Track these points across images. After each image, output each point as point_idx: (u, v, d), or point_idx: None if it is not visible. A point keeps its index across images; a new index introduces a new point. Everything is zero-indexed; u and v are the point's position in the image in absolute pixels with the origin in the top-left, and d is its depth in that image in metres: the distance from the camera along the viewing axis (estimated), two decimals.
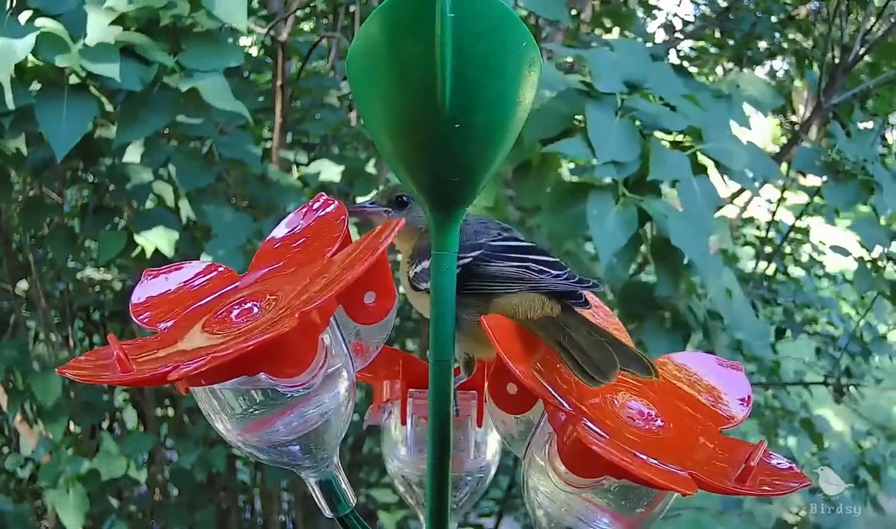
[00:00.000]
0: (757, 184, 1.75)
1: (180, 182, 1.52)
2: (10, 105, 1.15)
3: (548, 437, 0.51)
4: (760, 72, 2.93)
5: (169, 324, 0.51)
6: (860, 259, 1.97)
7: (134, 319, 0.52)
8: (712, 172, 1.38)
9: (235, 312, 0.49)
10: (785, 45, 2.62)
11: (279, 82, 1.67)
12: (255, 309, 0.48)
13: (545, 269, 0.52)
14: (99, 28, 1.19)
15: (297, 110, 1.92)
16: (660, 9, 2.77)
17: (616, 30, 2.41)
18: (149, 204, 1.59)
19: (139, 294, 0.54)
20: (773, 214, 2.34)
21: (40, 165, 1.54)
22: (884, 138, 2.38)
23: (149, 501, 1.96)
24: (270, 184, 1.62)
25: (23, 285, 1.86)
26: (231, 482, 2.01)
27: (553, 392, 0.47)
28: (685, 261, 1.35)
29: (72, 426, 1.79)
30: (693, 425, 0.52)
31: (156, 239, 1.47)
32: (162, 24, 1.30)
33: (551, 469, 0.50)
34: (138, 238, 1.49)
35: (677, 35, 2.63)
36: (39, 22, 1.17)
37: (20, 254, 1.84)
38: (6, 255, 1.77)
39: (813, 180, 2.26)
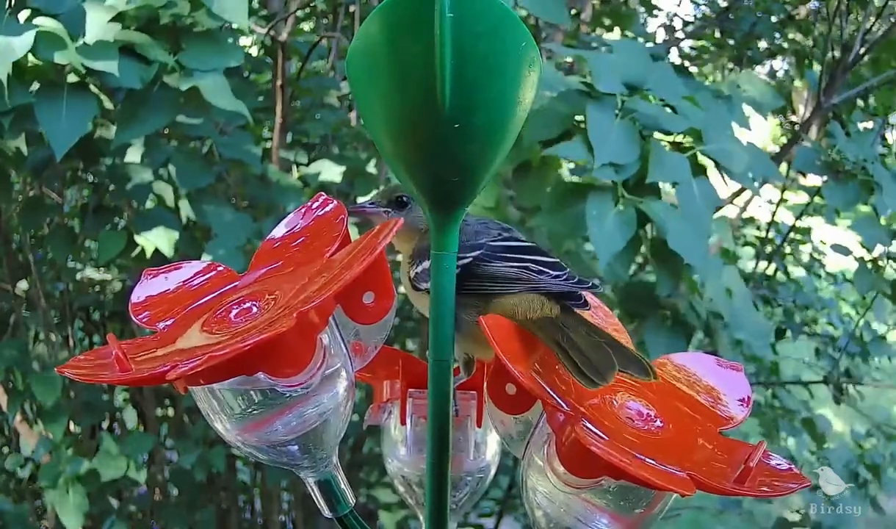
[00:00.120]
0: (757, 184, 1.74)
1: (180, 182, 1.52)
2: (7, 103, 1.15)
3: (546, 437, 0.51)
4: (760, 72, 2.93)
5: (168, 323, 0.51)
6: (861, 259, 1.98)
7: (133, 318, 0.52)
8: (712, 172, 1.38)
9: (234, 311, 0.49)
10: (785, 44, 2.62)
11: (279, 82, 1.67)
12: (254, 309, 0.48)
13: (545, 269, 0.52)
14: (98, 25, 1.19)
15: (297, 110, 1.92)
16: (660, 8, 2.77)
17: (616, 30, 2.41)
18: (149, 204, 1.59)
19: (139, 294, 0.54)
20: (774, 214, 2.34)
21: (40, 165, 1.54)
22: (884, 138, 2.38)
23: (149, 501, 1.96)
24: (270, 184, 1.61)
25: (23, 285, 1.86)
26: (231, 482, 2.01)
27: (552, 393, 0.47)
28: (685, 261, 1.35)
29: (72, 426, 1.79)
30: (692, 425, 0.52)
31: (156, 239, 1.47)
32: (162, 23, 1.30)
33: (550, 469, 0.50)
34: (138, 238, 1.49)
35: (677, 35, 2.63)
36: (38, 21, 1.17)
37: (20, 254, 1.84)
38: (6, 255, 1.77)
39: (813, 180, 2.26)
